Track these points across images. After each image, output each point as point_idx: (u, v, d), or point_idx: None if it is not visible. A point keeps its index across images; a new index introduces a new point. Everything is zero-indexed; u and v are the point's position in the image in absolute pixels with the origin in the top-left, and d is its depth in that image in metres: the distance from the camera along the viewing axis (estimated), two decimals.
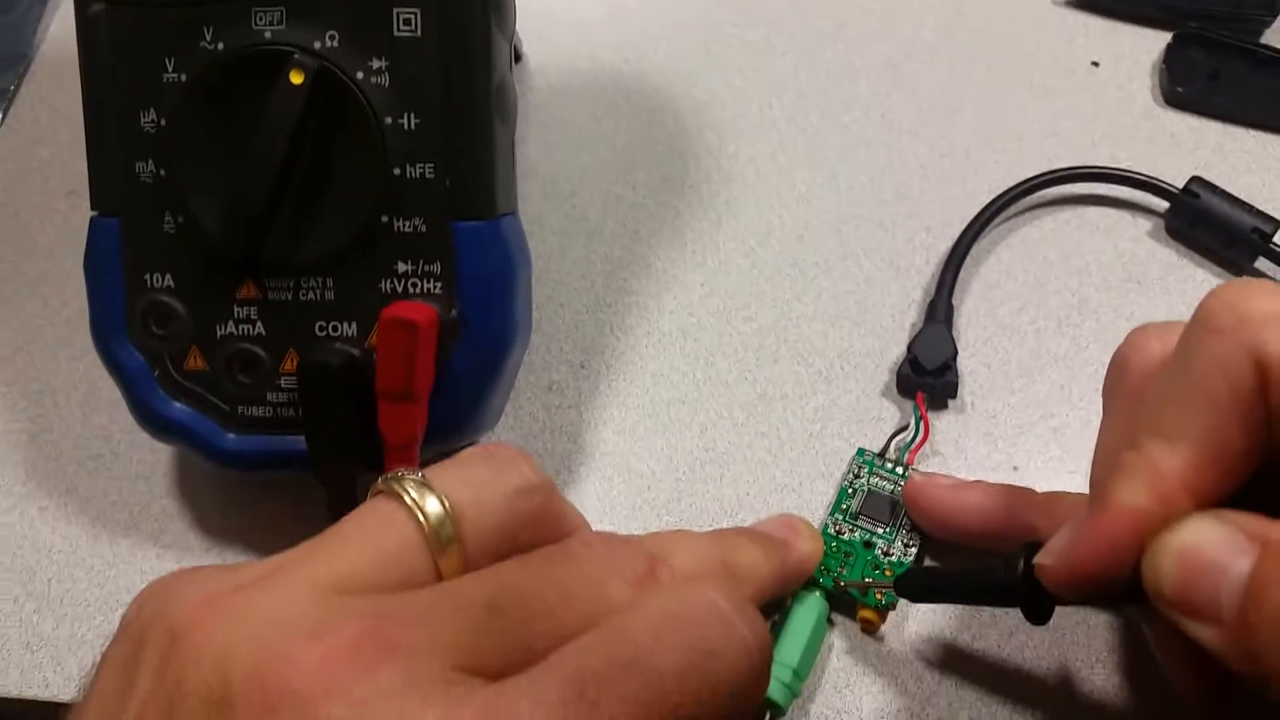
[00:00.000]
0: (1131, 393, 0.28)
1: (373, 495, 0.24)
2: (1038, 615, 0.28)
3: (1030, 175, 0.43)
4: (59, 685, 0.35)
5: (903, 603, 0.34)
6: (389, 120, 0.32)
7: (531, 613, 0.22)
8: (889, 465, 0.37)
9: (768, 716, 0.32)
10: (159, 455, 0.39)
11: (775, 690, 0.31)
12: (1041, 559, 0.27)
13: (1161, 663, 0.30)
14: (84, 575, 0.37)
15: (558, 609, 0.22)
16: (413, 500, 0.23)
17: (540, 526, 0.25)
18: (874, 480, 0.36)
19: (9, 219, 0.46)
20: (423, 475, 0.24)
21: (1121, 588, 0.25)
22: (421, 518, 0.23)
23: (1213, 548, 0.23)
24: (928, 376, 0.38)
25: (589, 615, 0.23)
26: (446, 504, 0.23)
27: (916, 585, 0.32)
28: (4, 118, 0.48)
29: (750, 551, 0.31)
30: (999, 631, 0.34)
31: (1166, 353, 0.27)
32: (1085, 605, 0.32)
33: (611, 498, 0.38)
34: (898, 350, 0.40)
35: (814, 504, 0.37)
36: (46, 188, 0.46)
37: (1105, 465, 0.28)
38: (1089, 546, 0.25)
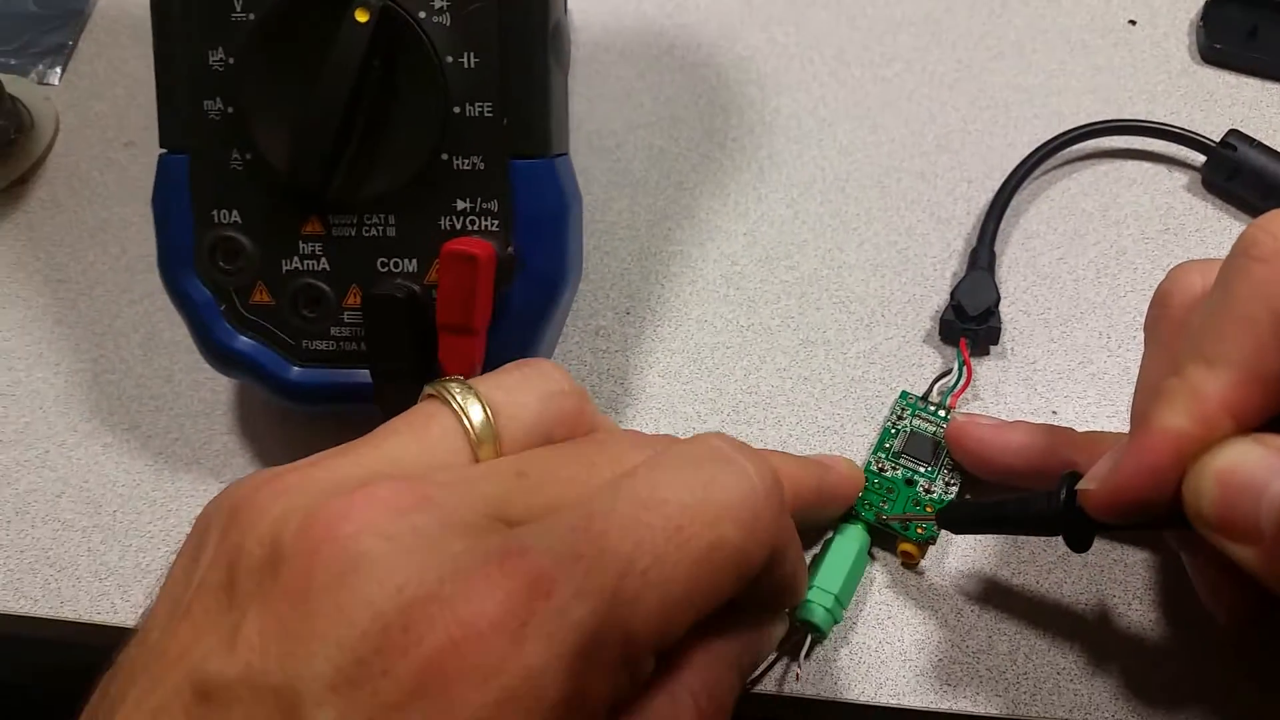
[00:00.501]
0: (1173, 325, 0.29)
1: (423, 399, 0.26)
2: (1079, 543, 0.29)
3: (1068, 129, 0.44)
4: (126, 611, 0.36)
5: (943, 538, 0.35)
6: (449, 59, 0.32)
7: (557, 477, 0.24)
8: (931, 408, 0.37)
9: (809, 640, 0.33)
10: (219, 395, 0.40)
11: (817, 614, 0.32)
12: (1085, 484, 0.27)
13: (1199, 590, 0.31)
14: (148, 508, 0.38)
15: (581, 474, 0.24)
16: (459, 405, 0.25)
17: (572, 426, 0.27)
18: (916, 422, 0.37)
19: (69, 169, 0.47)
20: (467, 381, 0.26)
21: (1162, 512, 0.26)
22: (465, 417, 0.25)
23: (1252, 469, 0.24)
24: (971, 322, 0.39)
25: (610, 479, 0.24)
26: (486, 405, 0.25)
27: (958, 517, 0.32)
28: (64, 73, 0.49)
29: (786, 459, 0.32)
30: (1037, 568, 0.35)
31: (1207, 287, 0.27)
32: (1126, 531, 0.32)
33: None
34: (938, 299, 0.41)
35: (856, 445, 0.38)
36: (105, 139, 0.48)
37: (1147, 396, 0.29)
38: (1132, 470, 0.26)
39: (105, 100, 0.49)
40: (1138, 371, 0.30)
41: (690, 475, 0.23)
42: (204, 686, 0.20)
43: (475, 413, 0.25)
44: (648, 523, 0.22)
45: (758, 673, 0.33)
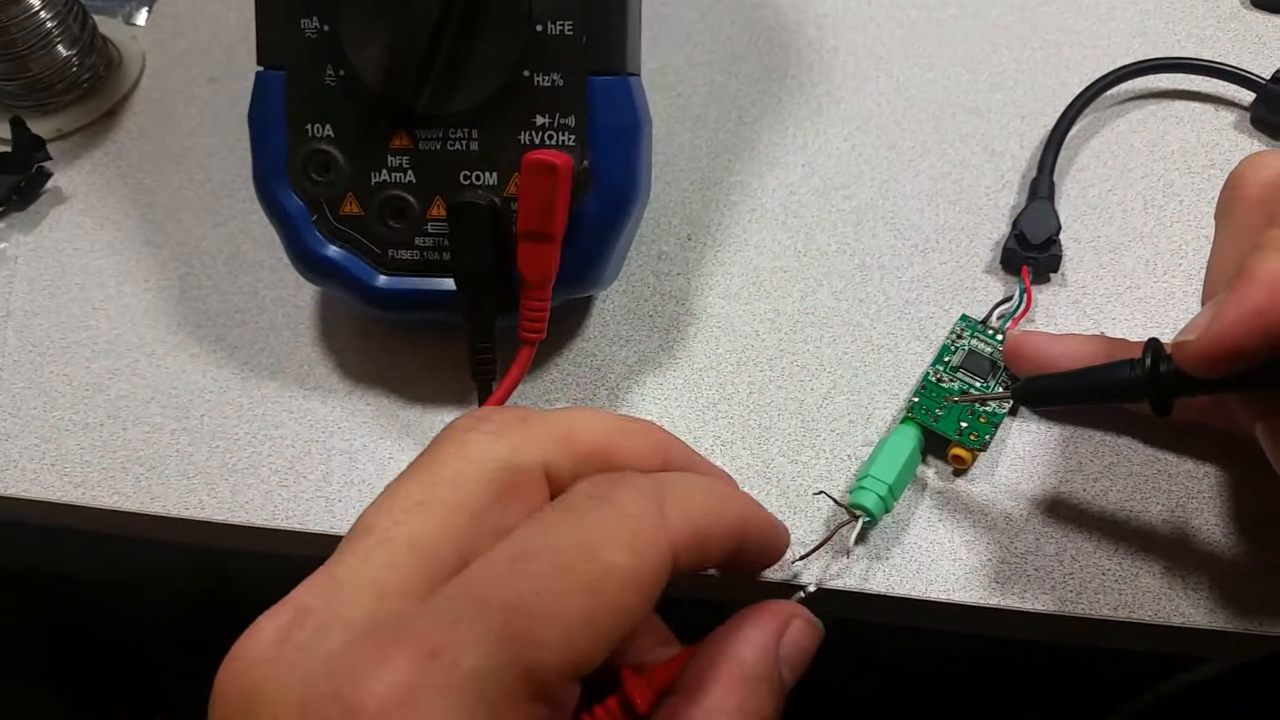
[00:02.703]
0: (1250, 204, 0.30)
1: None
2: (1164, 405, 0.30)
3: (1123, 64, 0.45)
4: (213, 507, 0.38)
5: (993, 446, 0.37)
6: None
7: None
8: (990, 331, 0.39)
9: (860, 524, 0.34)
10: (302, 310, 0.42)
11: (869, 500, 0.34)
12: (1182, 337, 0.27)
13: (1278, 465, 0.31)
14: (234, 413, 0.40)
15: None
16: None
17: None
18: (974, 342, 0.39)
19: (155, 103, 0.49)
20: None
21: (1260, 365, 0.26)
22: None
23: None
24: (1033, 251, 0.40)
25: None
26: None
27: (1038, 389, 0.33)
28: (150, 13, 0.52)
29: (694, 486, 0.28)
30: (1084, 476, 0.37)
31: None
32: (1215, 392, 0.31)
33: (718, 355, 0.40)
34: (991, 227, 0.43)
35: (910, 363, 0.40)
36: (188, 75, 0.50)
37: (1221, 276, 0.30)
38: (1236, 314, 0.26)
39: (188, 39, 0.51)
40: (1209, 258, 0.31)
41: (562, 520, 0.24)
42: None
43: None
44: (524, 570, 0.22)
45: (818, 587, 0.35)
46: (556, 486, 0.25)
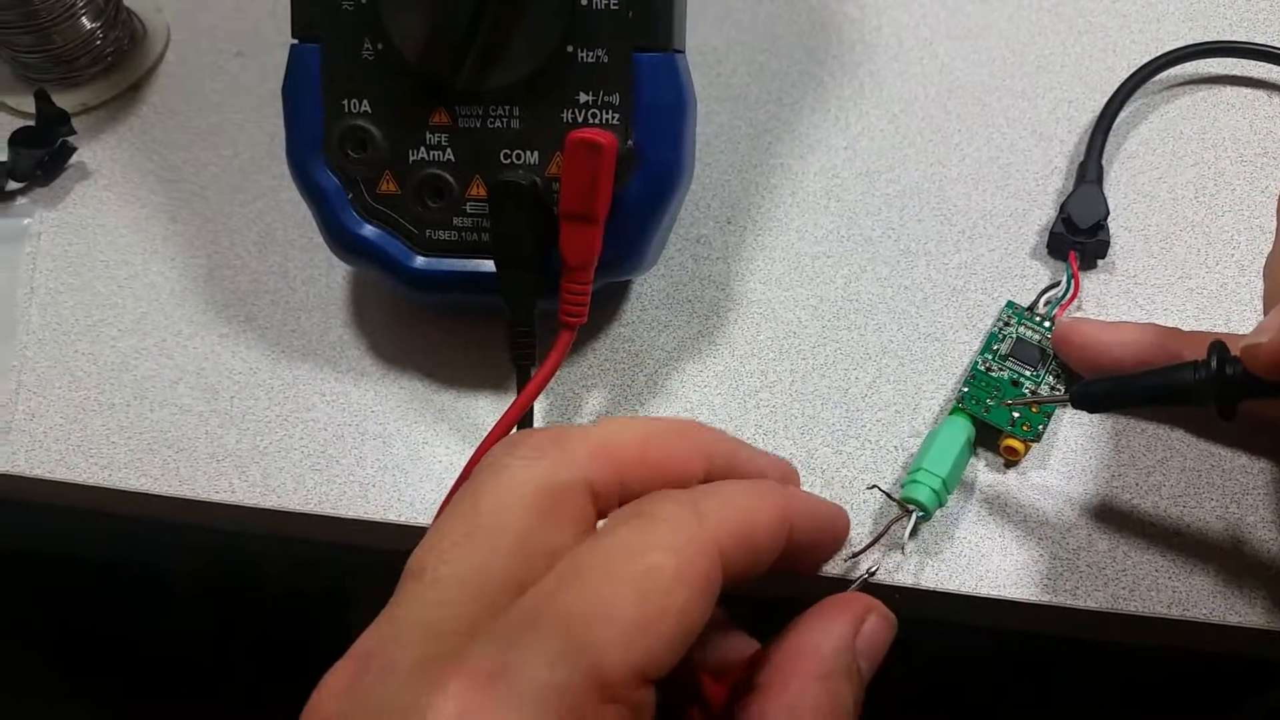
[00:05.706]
0: None
1: None
2: (1231, 409, 0.29)
3: (1175, 47, 0.44)
4: (244, 491, 0.38)
5: (1046, 438, 0.36)
6: None
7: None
8: (1037, 318, 0.38)
9: (914, 519, 0.34)
10: (334, 290, 0.41)
11: (923, 494, 0.33)
12: (1254, 339, 0.27)
13: None
14: (264, 395, 0.40)
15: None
16: None
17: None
18: (1022, 330, 0.38)
19: (180, 77, 0.48)
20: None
21: None
22: None
23: None
24: (1080, 236, 0.39)
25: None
26: None
27: (1096, 393, 0.32)
28: None
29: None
30: (1137, 470, 0.36)
31: None
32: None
33: (759, 342, 0.40)
34: (1039, 212, 0.42)
35: (958, 352, 0.39)
36: (215, 48, 0.49)
37: None
38: None
39: (213, 11, 0.50)
40: (1268, 257, 0.31)
41: (602, 537, 0.23)
42: None
43: None
44: (570, 583, 0.22)
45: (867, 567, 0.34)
46: (603, 503, 0.25)
